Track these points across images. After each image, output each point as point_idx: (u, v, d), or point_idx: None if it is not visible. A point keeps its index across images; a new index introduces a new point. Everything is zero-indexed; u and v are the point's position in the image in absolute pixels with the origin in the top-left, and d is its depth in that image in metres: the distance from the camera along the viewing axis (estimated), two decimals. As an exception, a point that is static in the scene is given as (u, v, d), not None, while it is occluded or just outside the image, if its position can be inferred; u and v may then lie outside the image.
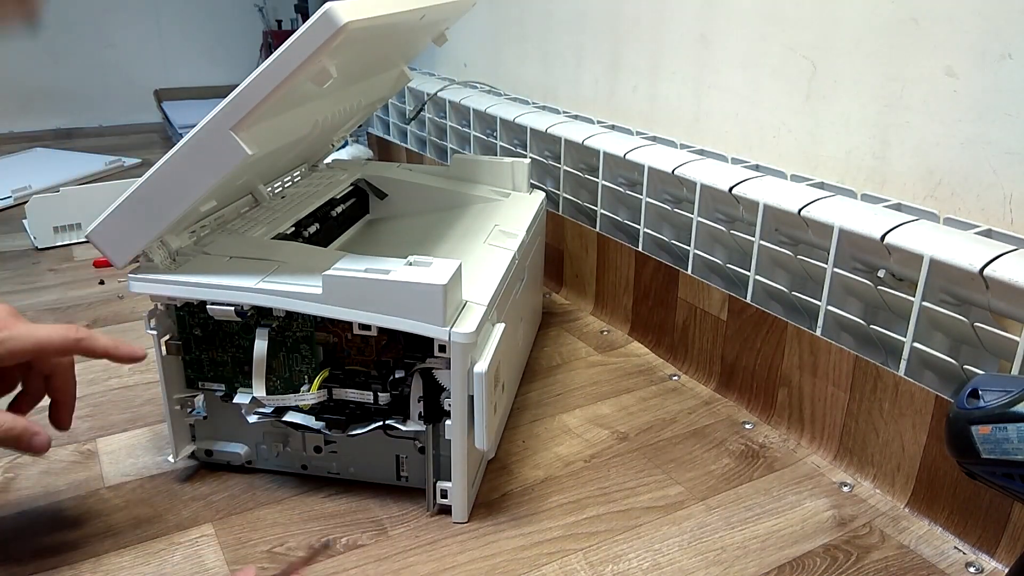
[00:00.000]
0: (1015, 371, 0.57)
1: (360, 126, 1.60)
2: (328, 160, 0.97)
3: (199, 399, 0.66)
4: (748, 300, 0.79)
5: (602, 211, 0.98)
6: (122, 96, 2.15)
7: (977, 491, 0.61)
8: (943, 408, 0.62)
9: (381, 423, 0.62)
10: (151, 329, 0.62)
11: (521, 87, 1.28)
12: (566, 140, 1.01)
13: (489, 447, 0.62)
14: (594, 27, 1.09)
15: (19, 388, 0.58)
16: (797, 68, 0.80)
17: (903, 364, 0.65)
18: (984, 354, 0.63)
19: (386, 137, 1.57)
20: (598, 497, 0.66)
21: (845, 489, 0.68)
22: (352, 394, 0.61)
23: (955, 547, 0.61)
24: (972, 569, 0.59)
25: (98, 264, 1.14)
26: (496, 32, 1.33)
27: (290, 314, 0.60)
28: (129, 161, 1.69)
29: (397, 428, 0.62)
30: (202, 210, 0.64)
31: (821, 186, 0.76)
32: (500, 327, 0.63)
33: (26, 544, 0.59)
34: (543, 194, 0.91)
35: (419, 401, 0.60)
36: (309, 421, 0.63)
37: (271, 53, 0.52)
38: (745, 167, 0.83)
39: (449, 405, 0.59)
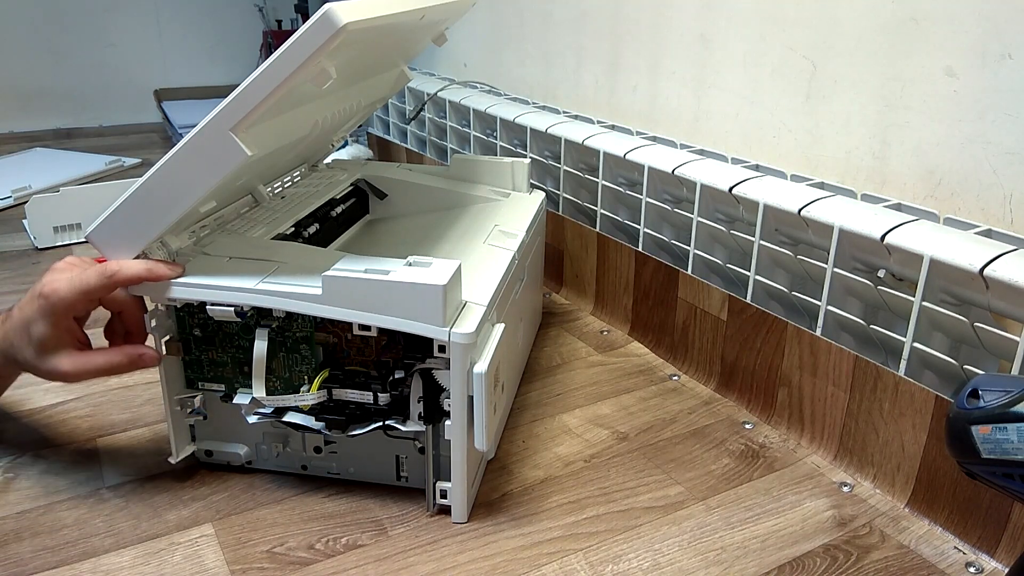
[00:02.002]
0: (1015, 371, 0.57)
1: (360, 126, 1.60)
2: (328, 160, 0.97)
3: (199, 399, 0.66)
4: (748, 300, 0.79)
5: (602, 211, 0.98)
6: (122, 96, 2.15)
7: (977, 491, 0.61)
8: (943, 408, 0.62)
9: (381, 423, 0.62)
10: (151, 330, 0.62)
11: (521, 87, 1.28)
12: (566, 140, 1.01)
13: (489, 447, 0.62)
14: (594, 27, 1.09)
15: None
16: (797, 68, 0.80)
17: (903, 364, 0.65)
18: (984, 354, 0.63)
19: (386, 137, 1.57)
20: (598, 497, 0.66)
21: (845, 489, 0.68)
22: (352, 394, 0.61)
23: (955, 547, 0.61)
24: (972, 569, 0.59)
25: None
26: (496, 32, 1.33)
27: (290, 314, 0.60)
28: (129, 161, 1.69)
29: (397, 428, 0.62)
30: (202, 210, 0.64)
31: (821, 186, 0.76)
32: (500, 327, 0.63)
33: (26, 544, 0.59)
34: (543, 194, 0.91)
35: (419, 401, 0.60)
36: (309, 421, 0.63)
37: (271, 53, 0.52)
38: (745, 167, 0.83)
39: (449, 405, 0.59)
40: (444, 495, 0.63)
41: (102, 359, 0.60)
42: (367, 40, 0.65)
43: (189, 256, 0.62)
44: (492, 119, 1.16)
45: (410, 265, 0.58)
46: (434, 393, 0.60)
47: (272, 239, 0.69)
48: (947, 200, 0.69)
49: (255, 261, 0.62)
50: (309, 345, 0.61)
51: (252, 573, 0.57)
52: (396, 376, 0.60)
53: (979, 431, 0.41)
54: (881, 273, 0.67)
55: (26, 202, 1.22)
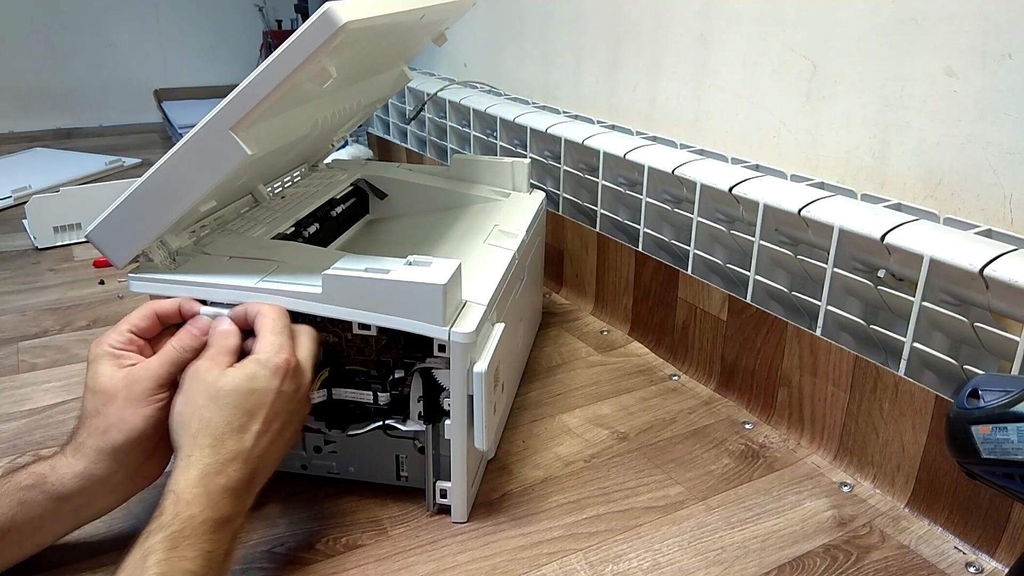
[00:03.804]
0: (1015, 371, 0.57)
1: (360, 126, 1.60)
2: (328, 160, 0.97)
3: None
4: (748, 300, 0.79)
5: (602, 211, 0.98)
6: (122, 96, 2.15)
7: (977, 491, 0.61)
8: (943, 408, 0.62)
9: (381, 423, 0.62)
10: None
11: (521, 87, 1.28)
12: (566, 140, 1.01)
13: (489, 447, 0.62)
14: (594, 27, 1.09)
15: None
16: (797, 68, 0.80)
17: (903, 364, 0.65)
18: (984, 354, 0.63)
19: (386, 137, 1.57)
20: (598, 497, 0.66)
21: (845, 489, 0.68)
22: (352, 394, 0.61)
23: (955, 547, 0.61)
24: (972, 569, 0.59)
25: (98, 264, 1.14)
26: (496, 32, 1.33)
27: (290, 314, 0.60)
28: (129, 161, 1.69)
29: (397, 428, 0.62)
30: (202, 210, 0.64)
31: (821, 186, 0.76)
32: (500, 327, 0.63)
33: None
34: (543, 194, 0.91)
35: (419, 401, 0.60)
36: (309, 421, 0.63)
37: (271, 53, 0.52)
38: (745, 167, 0.83)
39: (449, 405, 0.59)
40: (444, 495, 0.63)
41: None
42: (367, 40, 0.65)
43: (189, 255, 0.62)
44: (492, 119, 1.16)
45: (410, 265, 0.58)
46: (434, 393, 0.60)
47: (272, 239, 0.69)
48: (947, 200, 0.69)
49: (255, 260, 0.62)
50: (309, 345, 0.61)
51: (252, 573, 0.57)
52: (396, 376, 0.60)
53: (979, 431, 0.41)
54: (881, 273, 0.67)
55: (26, 202, 1.22)
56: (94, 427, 0.53)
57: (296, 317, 0.60)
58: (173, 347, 0.55)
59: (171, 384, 0.54)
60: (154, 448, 0.55)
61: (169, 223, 0.58)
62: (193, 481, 0.48)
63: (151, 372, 0.54)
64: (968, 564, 0.59)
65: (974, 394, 0.42)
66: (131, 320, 0.57)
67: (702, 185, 0.81)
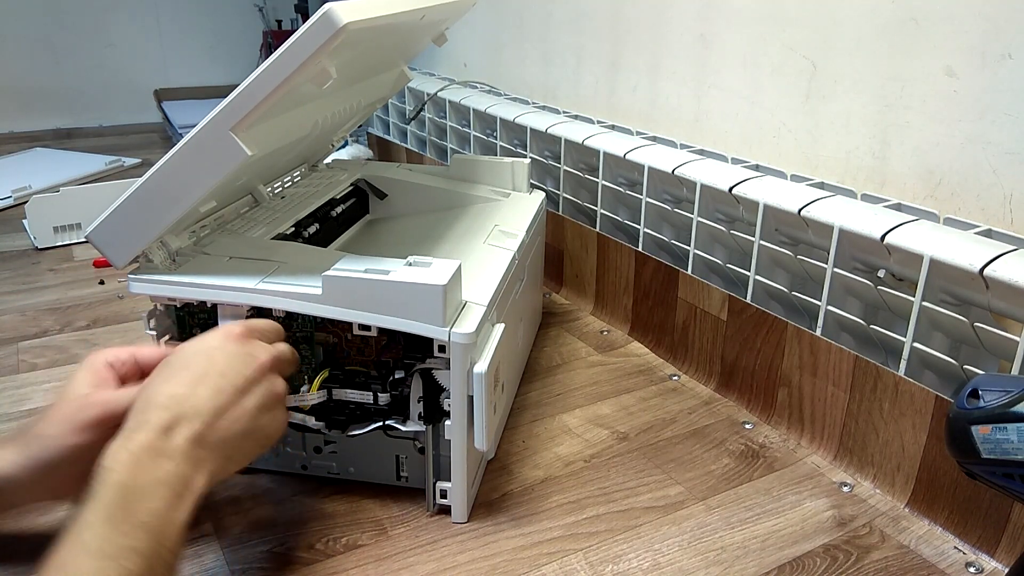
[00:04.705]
0: (1015, 371, 0.57)
1: (360, 126, 1.60)
2: (328, 160, 0.97)
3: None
4: (748, 300, 0.79)
5: (602, 211, 0.98)
6: (122, 96, 2.15)
7: (977, 491, 0.61)
8: (943, 408, 0.62)
9: (381, 423, 0.62)
10: (151, 329, 0.62)
11: (521, 87, 1.28)
12: (566, 140, 1.01)
13: (489, 447, 0.62)
14: (594, 27, 1.09)
15: None
16: (797, 68, 0.80)
17: (903, 364, 0.65)
18: (984, 354, 0.63)
19: (386, 137, 1.57)
20: (598, 497, 0.66)
21: (845, 489, 0.68)
22: (352, 394, 0.61)
23: (955, 547, 0.61)
24: (972, 569, 0.59)
25: (98, 264, 1.14)
26: (496, 32, 1.33)
27: (290, 314, 0.60)
28: (129, 161, 1.69)
29: (397, 428, 0.62)
30: (202, 210, 0.64)
31: (821, 186, 0.76)
32: (500, 327, 0.63)
33: (26, 544, 0.59)
34: (543, 194, 0.91)
35: (419, 401, 0.61)
36: (309, 421, 0.63)
37: (271, 53, 0.52)
38: (745, 167, 0.83)
39: (449, 405, 0.59)
40: (444, 495, 0.63)
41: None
42: (367, 40, 0.65)
43: (189, 256, 0.62)
44: (492, 119, 1.16)
45: (410, 265, 0.58)
46: (434, 393, 0.60)
47: (272, 239, 0.69)
48: (947, 200, 0.69)
49: (255, 261, 0.62)
50: (309, 345, 0.61)
51: (252, 573, 0.57)
52: (396, 376, 0.60)
53: (979, 431, 0.41)
54: (881, 273, 0.67)
55: (26, 202, 1.22)
56: (37, 430, 0.52)
57: (296, 317, 0.60)
58: (139, 386, 0.53)
59: (118, 425, 0.51)
60: (80, 475, 0.51)
61: (169, 223, 0.58)
62: (118, 445, 0.45)
63: (104, 402, 0.51)
64: (968, 564, 0.59)
65: (974, 394, 0.42)
66: (141, 348, 0.56)
67: (702, 185, 0.81)
